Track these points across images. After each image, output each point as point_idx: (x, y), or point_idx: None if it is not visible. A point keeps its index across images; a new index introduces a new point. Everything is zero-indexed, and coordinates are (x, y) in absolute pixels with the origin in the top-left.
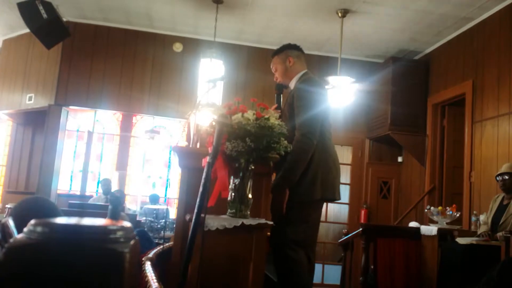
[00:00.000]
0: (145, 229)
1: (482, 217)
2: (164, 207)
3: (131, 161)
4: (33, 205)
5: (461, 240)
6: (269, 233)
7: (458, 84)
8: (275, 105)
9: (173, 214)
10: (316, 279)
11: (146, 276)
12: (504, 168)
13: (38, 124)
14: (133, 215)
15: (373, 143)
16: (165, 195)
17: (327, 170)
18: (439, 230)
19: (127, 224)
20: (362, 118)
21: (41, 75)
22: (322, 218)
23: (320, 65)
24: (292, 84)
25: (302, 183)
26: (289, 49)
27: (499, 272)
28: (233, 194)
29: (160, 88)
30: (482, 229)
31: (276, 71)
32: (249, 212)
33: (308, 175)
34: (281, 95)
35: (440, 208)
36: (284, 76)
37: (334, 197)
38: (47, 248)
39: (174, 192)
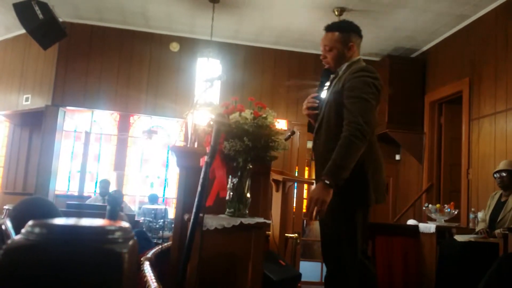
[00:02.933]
0: (144, 229)
1: (480, 214)
2: (163, 207)
3: (129, 161)
4: (31, 205)
5: (459, 238)
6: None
7: (455, 81)
8: (314, 95)
9: (171, 214)
10: (315, 278)
11: (145, 276)
12: (501, 165)
13: (35, 125)
14: (132, 215)
15: None
16: (163, 195)
17: (379, 169)
18: (437, 227)
19: (125, 224)
20: None
21: (37, 76)
22: None
23: (317, 63)
24: (341, 70)
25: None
26: (354, 33)
27: (498, 267)
28: (231, 193)
29: (157, 88)
30: (480, 226)
31: (330, 51)
32: (247, 211)
33: (361, 175)
34: (326, 82)
35: (438, 205)
36: (336, 61)
37: (384, 200)
38: (45, 249)
39: (172, 192)
